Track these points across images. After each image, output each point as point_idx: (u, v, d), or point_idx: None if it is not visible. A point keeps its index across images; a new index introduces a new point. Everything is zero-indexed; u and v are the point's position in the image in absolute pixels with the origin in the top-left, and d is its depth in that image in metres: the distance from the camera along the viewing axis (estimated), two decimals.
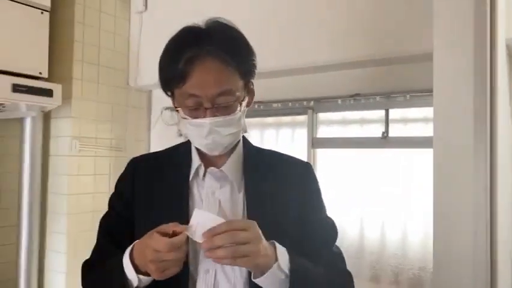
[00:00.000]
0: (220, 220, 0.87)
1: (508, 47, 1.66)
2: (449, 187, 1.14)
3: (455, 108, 1.14)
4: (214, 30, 0.99)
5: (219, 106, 0.97)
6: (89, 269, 1.08)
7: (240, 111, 1.00)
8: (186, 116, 0.99)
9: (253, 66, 1.04)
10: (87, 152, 2.55)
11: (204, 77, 0.95)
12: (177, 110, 1.04)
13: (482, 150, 1.08)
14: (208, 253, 0.84)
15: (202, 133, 0.97)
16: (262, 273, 0.89)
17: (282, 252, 0.91)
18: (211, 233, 0.84)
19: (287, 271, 0.90)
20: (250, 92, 1.06)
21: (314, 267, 0.97)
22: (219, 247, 0.83)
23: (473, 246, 1.08)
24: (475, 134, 1.09)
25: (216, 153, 1.02)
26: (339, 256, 1.08)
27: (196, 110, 0.97)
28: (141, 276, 0.92)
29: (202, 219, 0.87)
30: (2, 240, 2.50)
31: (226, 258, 0.84)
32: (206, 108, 0.96)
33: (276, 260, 0.90)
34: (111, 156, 2.68)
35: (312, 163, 2.23)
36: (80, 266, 1.09)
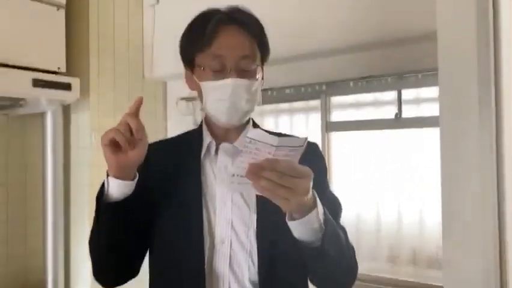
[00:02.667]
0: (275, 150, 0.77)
1: None
2: (456, 167, 1.16)
3: (459, 89, 1.15)
4: (234, 9, 1.09)
5: (241, 69, 1.03)
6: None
7: (258, 79, 1.05)
8: (207, 82, 1.04)
9: (268, 45, 1.12)
10: (100, 136, 2.61)
11: (229, 40, 1.03)
12: (193, 85, 1.09)
13: (487, 130, 1.09)
14: (251, 175, 0.79)
15: (225, 94, 1.02)
16: (296, 216, 0.87)
17: (319, 204, 0.91)
18: (268, 165, 0.78)
19: (322, 222, 0.90)
20: (263, 72, 1.11)
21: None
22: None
23: (481, 224, 1.09)
24: (480, 113, 1.09)
25: (234, 120, 1.06)
26: (345, 230, 1.11)
27: (219, 73, 1.03)
28: (116, 180, 0.96)
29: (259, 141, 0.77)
30: (30, 230, 2.60)
31: (267, 191, 0.80)
32: (230, 69, 1.02)
33: (315, 207, 0.89)
34: None
35: (326, 147, 2.26)
36: None
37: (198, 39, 1.04)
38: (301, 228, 0.89)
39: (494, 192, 1.10)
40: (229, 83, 1.01)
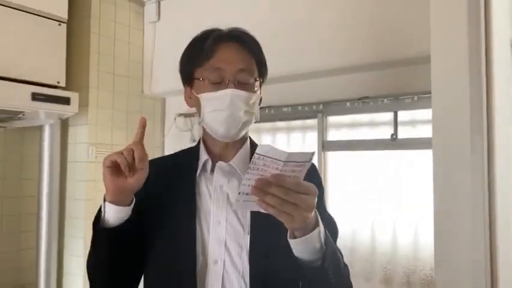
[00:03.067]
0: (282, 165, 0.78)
1: None
2: (448, 187, 1.17)
3: (452, 111, 1.17)
4: (233, 29, 1.12)
5: (240, 82, 1.05)
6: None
7: (256, 93, 1.07)
8: (206, 93, 1.06)
9: (265, 63, 1.14)
10: (103, 158, 2.61)
11: (228, 54, 1.06)
12: (191, 102, 1.11)
13: (479, 151, 1.11)
14: (257, 191, 0.79)
15: (223, 104, 1.03)
16: (298, 235, 0.87)
17: (321, 223, 0.90)
18: (276, 181, 0.78)
19: (323, 242, 0.90)
20: (261, 88, 1.13)
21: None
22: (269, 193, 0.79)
23: (472, 244, 1.10)
24: (472, 133, 1.11)
25: (232, 131, 1.06)
26: (341, 252, 1.11)
27: (218, 85, 1.05)
28: (112, 206, 0.96)
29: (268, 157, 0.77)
30: (24, 245, 2.58)
31: (272, 208, 0.80)
32: (228, 81, 1.04)
33: (317, 226, 0.88)
34: None
35: (323, 166, 2.28)
36: None
37: (198, 54, 1.07)
38: (302, 247, 0.88)
39: (486, 213, 1.11)
40: (228, 93, 1.03)
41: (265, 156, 0.76)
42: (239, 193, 0.81)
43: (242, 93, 1.03)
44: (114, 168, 0.93)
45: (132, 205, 0.99)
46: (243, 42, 1.08)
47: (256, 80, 1.09)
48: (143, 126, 0.97)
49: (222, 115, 1.04)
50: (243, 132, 1.10)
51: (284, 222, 0.84)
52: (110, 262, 1.01)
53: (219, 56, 1.05)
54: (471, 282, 1.11)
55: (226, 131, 1.06)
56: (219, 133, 1.07)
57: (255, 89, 1.08)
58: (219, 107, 1.04)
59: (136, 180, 0.95)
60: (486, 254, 1.09)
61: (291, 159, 0.77)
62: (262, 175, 0.78)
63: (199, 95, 1.07)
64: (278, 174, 0.78)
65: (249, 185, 0.79)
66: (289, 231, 0.88)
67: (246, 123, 1.08)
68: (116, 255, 1.00)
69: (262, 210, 0.82)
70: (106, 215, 0.97)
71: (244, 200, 0.81)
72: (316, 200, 0.84)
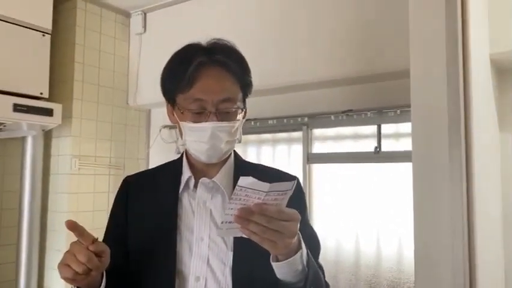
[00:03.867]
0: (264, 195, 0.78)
1: (493, 61, 1.72)
2: (427, 198, 1.19)
3: (431, 124, 1.19)
4: (216, 45, 1.08)
5: (221, 112, 1.03)
6: None
7: (239, 120, 1.06)
8: (187, 122, 1.03)
9: (251, 82, 1.11)
10: (86, 171, 2.59)
11: (210, 83, 1.02)
12: (174, 119, 1.09)
13: (457, 163, 1.13)
14: (240, 220, 0.79)
15: (204, 137, 1.02)
16: (281, 258, 0.87)
17: (303, 245, 0.91)
18: (258, 210, 0.78)
19: (305, 264, 0.90)
20: (245, 108, 1.12)
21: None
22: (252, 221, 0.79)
23: (451, 253, 1.12)
24: (450, 147, 1.13)
25: (214, 160, 1.06)
26: (323, 269, 1.11)
27: (199, 115, 1.03)
28: None
29: (249, 188, 0.78)
30: (3, 259, 2.53)
31: (255, 235, 0.80)
32: (210, 112, 1.01)
33: (300, 249, 0.89)
34: (110, 175, 2.73)
35: (307, 178, 2.29)
36: None
37: (179, 81, 1.03)
38: (285, 269, 0.89)
39: (465, 224, 1.13)
40: (208, 126, 1.01)
41: (247, 188, 0.77)
42: (222, 222, 0.81)
43: (223, 124, 1.02)
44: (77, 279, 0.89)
45: (103, 284, 0.95)
46: (225, 65, 1.04)
47: (238, 108, 1.06)
48: (73, 229, 0.89)
49: (203, 146, 1.03)
50: (226, 156, 1.10)
51: (267, 249, 0.84)
52: None
53: (200, 85, 1.02)
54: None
55: (208, 159, 1.06)
56: (201, 160, 1.07)
57: (238, 116, 1.06)
58: (200, 139, 1.03)
59: (100, 272, 0.92)
60: (465, 262, 1.11)
61: (273, 189, 0.78)
62: (244, 204, 0.79)
63: (180, 122, 1.06)
64: (260, 203, 0.78)
65: (231, 214, 0.79)
66: (271, 254, 0.88)
67: (228, 151, 1.08)
68: None
69: (245, 236, 0.82)
70: None
71: (227, 228, 0.82)
72: (298, 225, 0.84)
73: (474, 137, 1.14)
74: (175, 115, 1.08)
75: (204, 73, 1.02)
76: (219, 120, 1.02)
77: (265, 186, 0.77)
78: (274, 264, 0.89)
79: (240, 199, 0.78)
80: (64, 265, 0.87)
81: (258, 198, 0.78)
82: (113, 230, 1.15)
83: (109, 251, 0.91)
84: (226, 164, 1.12)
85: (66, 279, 0.88)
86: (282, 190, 0.79)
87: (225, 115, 1.03)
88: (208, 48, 1.07)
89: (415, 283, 1.23)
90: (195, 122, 1.03)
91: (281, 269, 0.89)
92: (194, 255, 1.03)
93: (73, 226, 0.88)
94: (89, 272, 0.87)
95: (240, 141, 1.10)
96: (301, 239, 0.90)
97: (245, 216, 0.78)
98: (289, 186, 0.79)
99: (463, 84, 1.15)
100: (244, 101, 1.10)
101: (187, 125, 1.04)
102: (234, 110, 1.04)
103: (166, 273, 1.01)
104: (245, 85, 1.09)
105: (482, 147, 1.23)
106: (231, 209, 0.79)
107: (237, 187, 0.77)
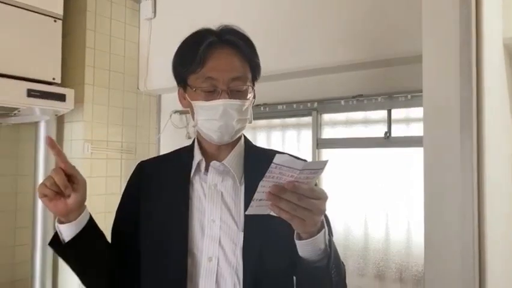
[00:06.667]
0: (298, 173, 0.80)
1: (506, 46, 1.69)
2: (437, 184, 1.19)
3: (442, 109, 1.18)
4: (225, 28, 1.11)
5: (233, 90, 1.05)
6: None
7: (249, 99, 1.07)
8: (199, 101, 1.06)
9: (259, 64, 1.14)
10: (99, 155, 2.63)
11: (221, 62, 1.05)
12: (185, 103, 1.11)
13: (469, 149, 1.12)
14: (272, 197, 0.81)
15: (216, 115, 1.04)
16: (305, 236, 0.89)
17: (326, 225, 0.93)
18: (291, 187, 0.80)
19: (327, 243, 0.92)
20: (254, 91, 1.13)
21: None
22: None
23: (462, 243, 1.12)
24: (462, 133, 1.13)
25: (226, 138, 1.08)
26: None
27: (211, 94, 1.05)
28: (62, 225, 1.00)
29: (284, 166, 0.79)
30: (18, 241, 2.59)
31: (286, 213, 0.83)
32: (221, 90, 1.04)
33: (323, 228, 0.91)
34: (122, 159, 2.76)
35: None
36: None
37: (190, 61, 1.06)
38: (309, 247, 0.91)
39: (475, 209, 1.13)
40: (220, 104, 1.03)
41: (282, 165, 0.78)
42: (253, 199, 0.83)
43: (235, 102, 1.04)
44: (49, 196, 0.95)
45: (80, 217, 1.01)
46: (235, 46, 1.07)
47: (249, 86, 1.09)
48: (52, 146, 0.96)
49: (215, 124, 1.05)
50: (237, 136, 1.12)
51: (295, 227, 0.87)
52: (85, 273, 1.06)
53: (211, 64, 1.04)
54: (461, 279, 1.13)
55: (220, 138, 1.08)
56: (213, 139, 1.09)
57: (248, 95, 1.08)
58: (212, 117, 1.04)
59: (75, 199, 0.97)
60: (475, 249, 1.11)
61: (307, 167, 0.79)
62: (277, 182, 0.80)
63: (192, 102, 1.08)
64: (293, 181, 0.80)
65: (263, 192, 0.81)
66: (295, 232, 0.90)
67: (239, 130, 1.10)
68: (89, 265, 1.05)
69: (272, 214, 0.84)
70: (62, 236, 1.01)
71: (257, 206, 0.83)
72: (319, 216, 0.86)
73: (486, 122, 1.13)
74: (187, 98, 1.10)
75: (215, 52, 1.05)
76: (230, 98, 1.04)
77: (299, 164, 0.78)
78: (298, 243, 0.91)
79: (274, 177, 0.80)
80: (41, 184, 0.95)
81: (292, 176, 0.79)
82: (123, 208, 1.19)
83: (84, 182, 0.99)
84: (236, 147, 1.13)
85: (42, 198, 0.95)
86: (315, 168, 0.81)
87: (236, 93, 1.05)
88: (218, 31, 1.09)
89: (424, 266, 1.24)
90: (207, 100, 1.05)
91: (305, 247, 0.91)
92: (206, 236, 1.05)
93: (51, 144, 0.95)
94: (61, 193, 0.94)
95: (250, 122, 1.12)
96: (324, 218, 0.92)
97: (278, 193, 0.80)
98: (322, 165, 0.81)
99: (476, 69, 1.14)
100: (253, 83, 1.12)
101: (199, 104, 1.06)
102: (244, 88, 1.07)
103: (178, 254, 1.04)
104: (254, 66, 1.11)
105: (494, 133, 1.22)
106: (263, 186, 0.81)
107: (272, 164, 0.78)
